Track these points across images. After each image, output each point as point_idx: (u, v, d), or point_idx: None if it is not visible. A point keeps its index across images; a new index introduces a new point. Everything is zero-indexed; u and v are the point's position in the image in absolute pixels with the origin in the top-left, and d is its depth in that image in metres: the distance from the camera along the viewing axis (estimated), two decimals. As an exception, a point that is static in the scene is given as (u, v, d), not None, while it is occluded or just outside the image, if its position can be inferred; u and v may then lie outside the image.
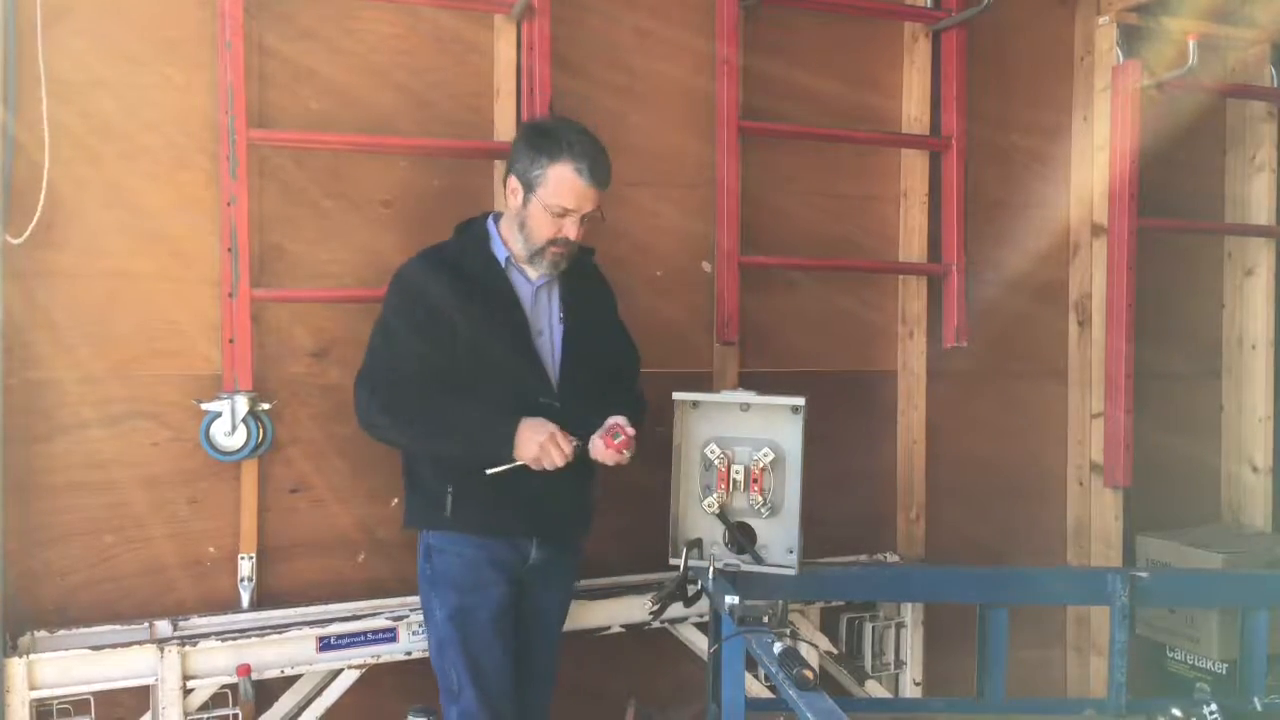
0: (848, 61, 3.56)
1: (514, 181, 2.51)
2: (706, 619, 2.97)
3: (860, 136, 3.55)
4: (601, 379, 2.63)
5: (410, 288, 2.51)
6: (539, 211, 2.47)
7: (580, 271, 2.66)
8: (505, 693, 2.52)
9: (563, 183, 2.44)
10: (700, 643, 3.09)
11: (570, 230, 2.48)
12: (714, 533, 2.64)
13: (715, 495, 2.61)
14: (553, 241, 2.48)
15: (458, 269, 2.51)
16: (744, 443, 2.62)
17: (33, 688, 2.47)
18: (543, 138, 2.49)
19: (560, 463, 2.40)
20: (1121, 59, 3.72)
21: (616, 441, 2.43)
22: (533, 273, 2.56)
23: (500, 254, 2.55)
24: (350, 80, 2.93)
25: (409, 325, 2.47)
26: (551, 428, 2.40)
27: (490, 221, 2.61)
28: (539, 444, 2.38)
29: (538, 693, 2.66)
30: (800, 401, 2.59)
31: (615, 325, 2.79)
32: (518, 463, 2.41)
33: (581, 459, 2.48)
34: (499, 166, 3.07)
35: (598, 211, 2.53)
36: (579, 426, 2.47)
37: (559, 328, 2.58)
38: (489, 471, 2.41)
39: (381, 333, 2.52)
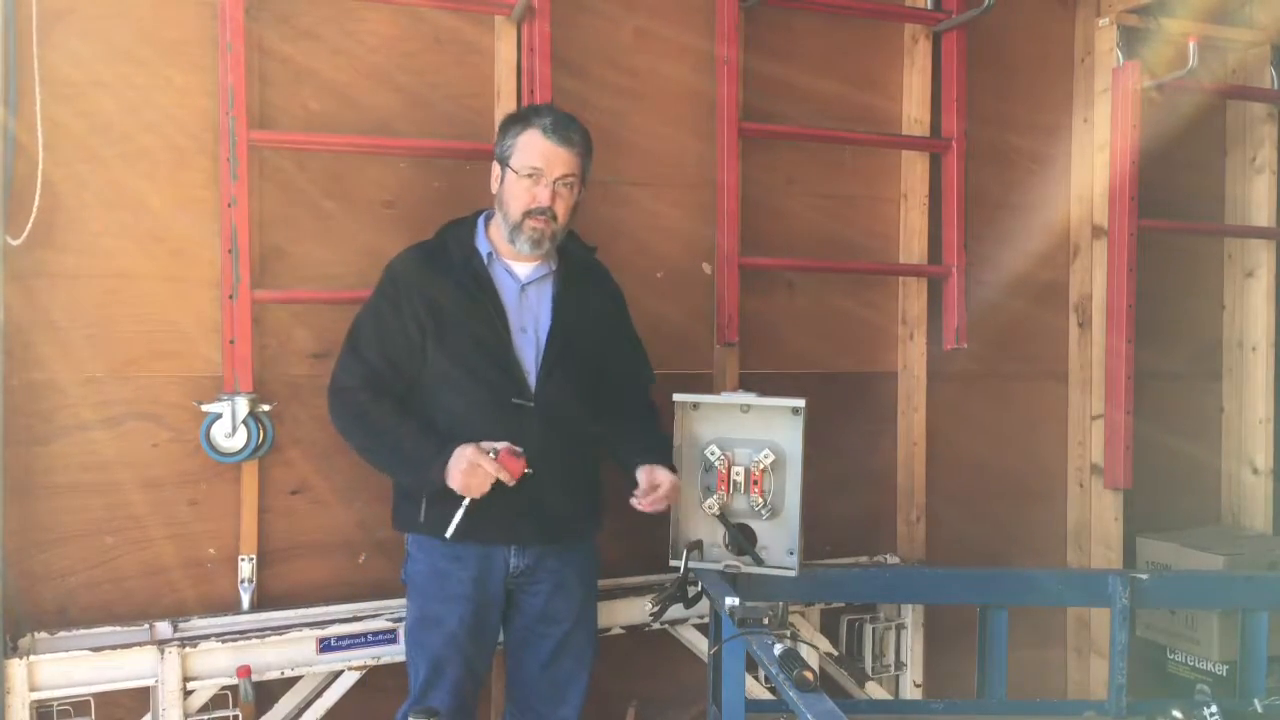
0: (848, 62, 3.56)
1: (495, 167, 2.54)
2: (707, 620, 2.97)
3: (860, 138, 3.55)
4: (594, 383, 2.58)
5: (390, 282, 2.53)
6: (512, 181, 2.48)
7: (580, 271, 2.62)
8: (463, 706, 2.51)
9: (530, 144, 2.46)
10: (701, 644, 3.09)
11: (543, 196, 2.45)
12: (714, 534, 2.64)
13: (716, 497, 2.61)
14: (528, 213, 2.45)
15: (438, 263, 2.51)
16: (744, 444, 2.62)
17: (33, 689, 2.46)
18: (512, 117, 2.57)
19: (486, 487, 2.34)
20: (1122, 60, 3.73)
21: (646, 501, 2.45)
22: (521, 270, 2.54)
23: (483, 248, 2.54)
24: (351, 81, 2.93)
25: (377, 323, 2.49)
26: (472, 451, 2.34)
27: (480, 218, 2.61)
28: (462, 473, 2.33)
29: (564, 700, 2.60)
30: (800, 403, 2.59)
31: (619, 329, 2.72)
32: (465, 502, 2.36)
33: (571, 459, 2.48)
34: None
35: (572, 177, 2.49)
36: (560, 429, 2.45)
37: (542, 320, 2.53)
38: (448, 534, 2.37)
39: (357, 327, 2.54)
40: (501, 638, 2.63)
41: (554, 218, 2.47)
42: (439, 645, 2.49)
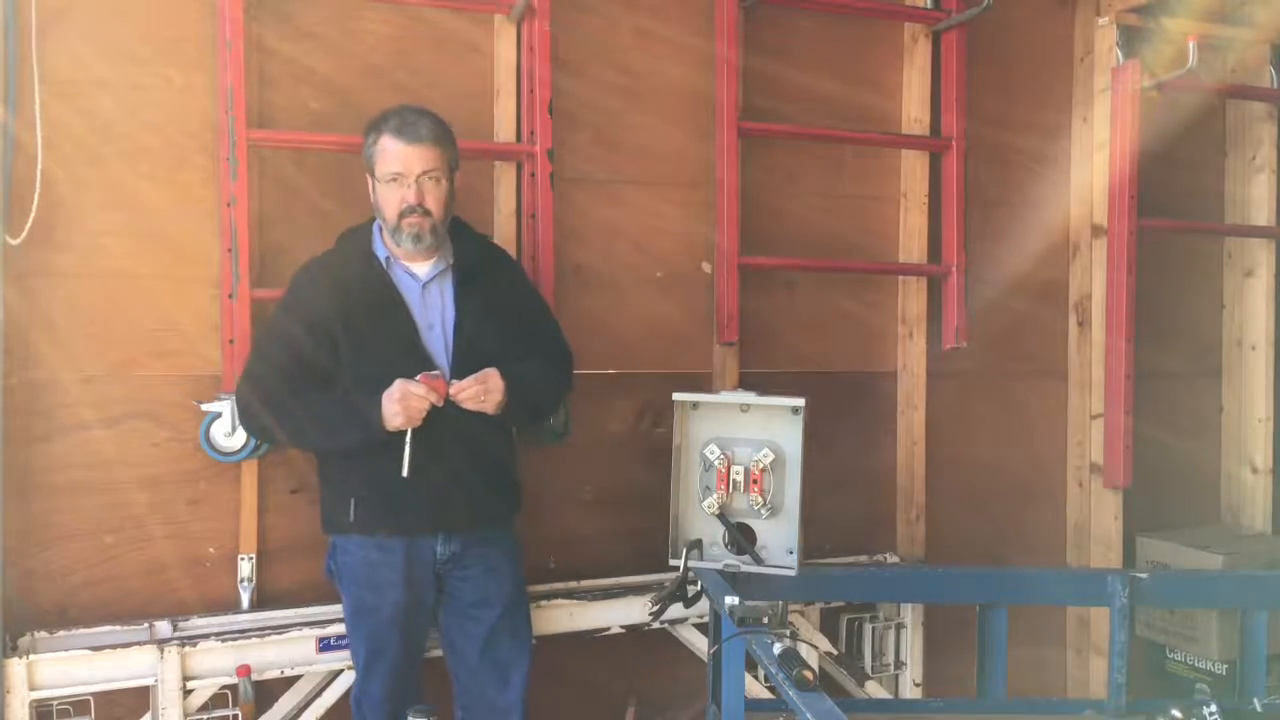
0: (848, 62, 3.56)
1: (369, 179, 2.58)
2: (706, 620, 2.97)
3: (860, 137, 3.55)
4: (508, 363, 2.59)
5: (291, 295, 2.58)
6: (381, 189, 2.53)
7: (477, 261, 2.66)
8: (404, 688, 2.57)
9: (385, 150, 2.51)
10: (700, 643, 3.09)
11: (410, 195, 2.50)
12: (714, 533, 2.64)
13: (715, 496, 2.61)
14: (402, 214, 2.50)
15: (337, 274, 2.56)
16: (744, 443, 2.62)
17: (33, 688, 2.47)
18: (368, 126, 2.57)
19: (432, 399, 2.42)
20: (1121, 60, 3.72)
21: (434, 380, 2.44)
22: (419, 269, 2.58)
23: (381, 252, 2.58)
24: (350, 80, 2.93)
25: (285, 332, 2.54)
26: (398, 384, 2.42)
27: (375, 225, 2.63)
28: (398, 403, 2.41)
29: (508, 683, 2.64)
30: (800, 402, 2.59)
31: (526, 307, 2.77)
32: (407, 435, 2.43)
33: (489, 445, 2.57)
34: (499, 167, 3.08)
35: (435, 171, 2.52)
36: (476, 418, 2.50)
37: (446, 314, 2.59)
38: (404, 473, 2.43)
39: (264, 334, 2.62)
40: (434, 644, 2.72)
41: (427, 213, 2.51)
42: (375, 630, 2.56)
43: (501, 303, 2.66)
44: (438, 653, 2.81)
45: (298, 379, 2.51)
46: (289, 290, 2.60)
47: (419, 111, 2.56)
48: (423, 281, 2.58)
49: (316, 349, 2.51)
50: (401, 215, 2.50)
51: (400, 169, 2.50)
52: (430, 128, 2.53)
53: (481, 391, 2.49)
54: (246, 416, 2.59)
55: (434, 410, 2.45)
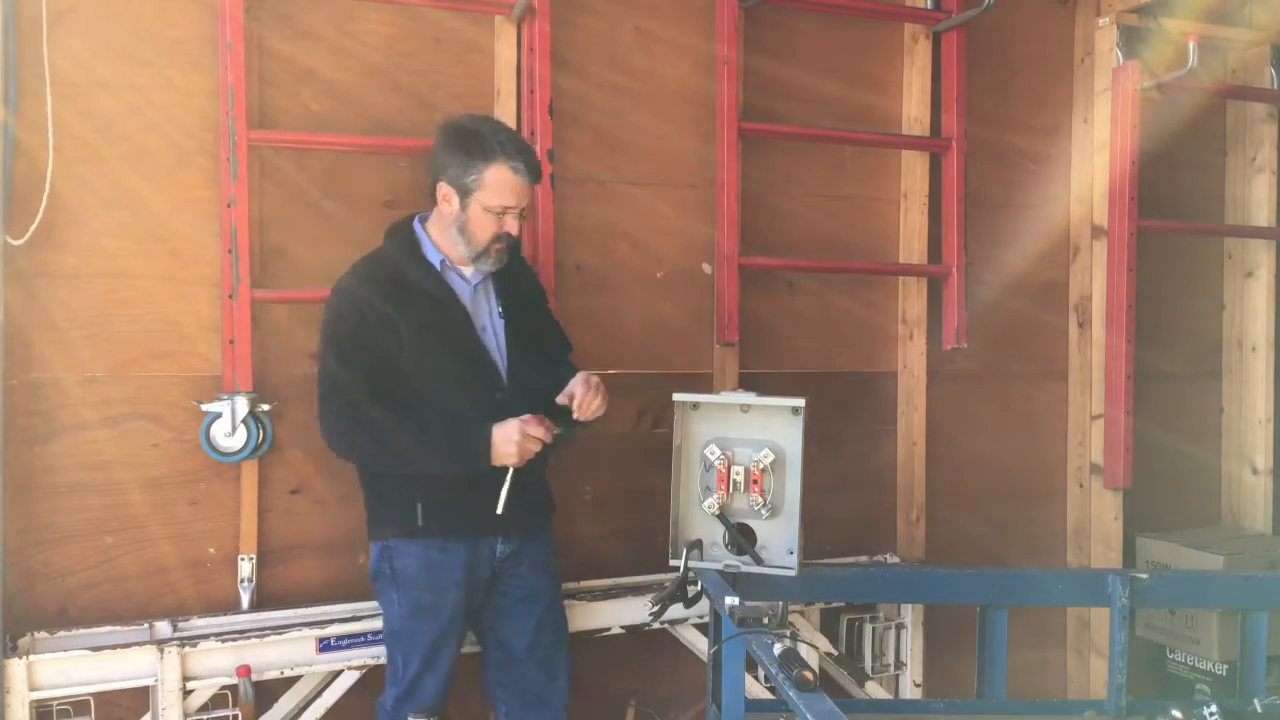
0: (848, 62, 3.56)
1: (445, 188, 2.54)
2: (706, 620, 2.97)
3: (860, 137, 3.55)
4: (542, 365, 2.70)
5: (350, 303, 2.53)
6: (479, 214, 2.52)
7: (510, 263, 2.68)
8: (445, 688, 2.60)
9: (502, 183, 2.50)
10: (700, 644, 3.09)
11: (512, 226, 2.54)
12: (714, 534, 2.64)
13: (715, 496, 2.61)
14: (495, 239, 2.54)
15: (395, 279, 2.54)
16: (744, 444, 2.62)
17: (32, 688, 2.47)
18: (471, 141, 2.53)
19: (546, 440, 2.49)
20: (1121, 60, 3.72)
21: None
22: (468, 271, 2.60)
23: (434, 258, 2.58)
24: (350, 81, 2.93)
25: (355, 342, 2.49)
26: (515, 424, 2.47)
27: (417, 226, 2.62)
28: (516, 444, 2.46)
29: (556, 674, 2.71)
30: (800, 403, 2.59)
31: (544, 309, 2.85)
32: (509, 473, 2.49)
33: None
34: (499, 167, 3.07)
35: (531, 204, 2.59)
36: (528, 412, 2.54)
37: (500, 321, 2.64)
38: (500, 510, 2.50)
39: (333, 353, 2.51)
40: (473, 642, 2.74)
41: (511, 237, 2.57)
42: (434, 634, 2.55)
43: (531, 300, 2.76)
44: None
45: (381, 389, 2.48)
46: (344, 296, 2.54)
47: (523, 141, 2.57)
48: (472, 284, 2.61)
49: (397, 348, 2.49)
50: (493, 241, 2.53)
51: (513, 203, 2.52)
52: (538, 162, 2.56)
53: (603, 399, 2.57)
54: (339, 438, 2.54)
55: (500, 419, 2.49)
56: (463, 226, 2.54)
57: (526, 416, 2.49)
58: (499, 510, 2.49)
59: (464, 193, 2.52)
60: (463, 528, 2.56)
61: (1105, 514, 3.77)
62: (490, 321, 2.63)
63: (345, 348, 2.50)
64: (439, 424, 2.51)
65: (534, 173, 2.55)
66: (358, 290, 2.53)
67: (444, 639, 2.57)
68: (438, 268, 2.58)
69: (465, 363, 2.56)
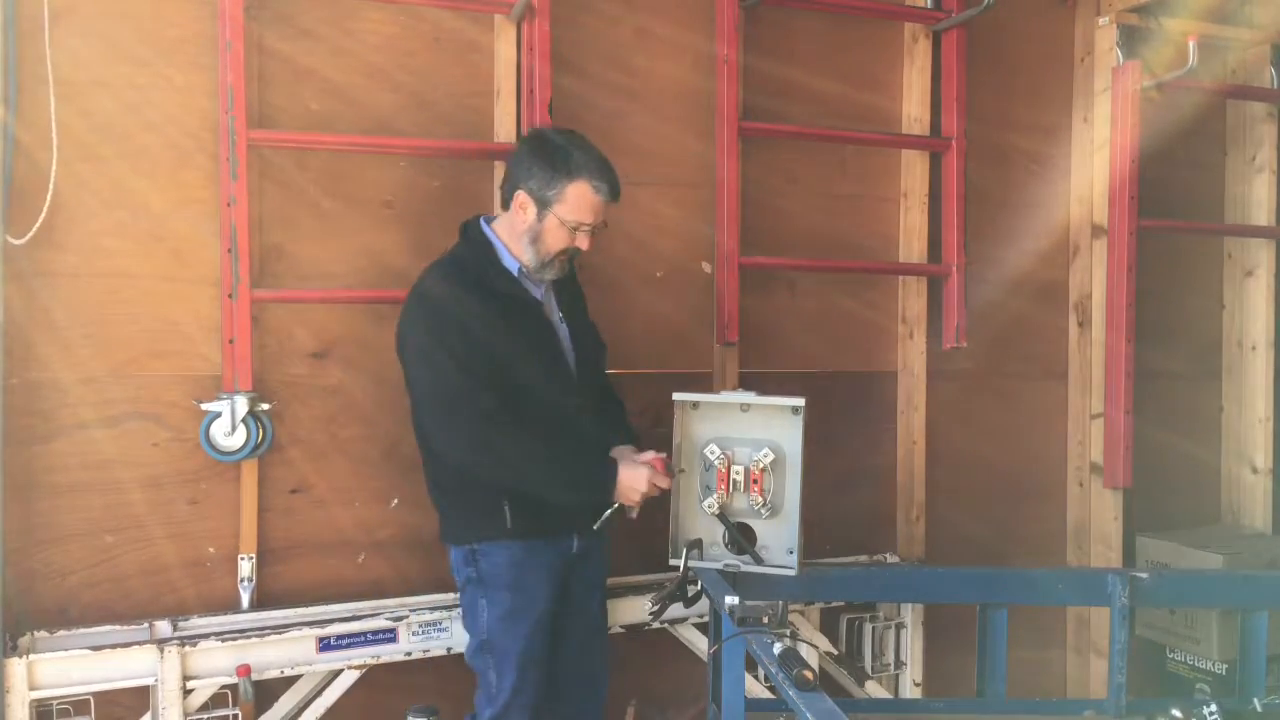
0: (848, 62, 3.56)
1: (524, 197, 2.53)
2: (706, 619, 2.97)
3: (861, 137, 3.55)
4: (595, 369, 2.75)
5: (453, 308, 2.49)
6: (556, 227, 2.52)
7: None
8: (541, 694, 2.58)
9: (583, 200, 2.51)
10: (700, 643, 3.09)
11: (584, 242, 2.56)
12: (714, 533, 2.64)
13: (715, 496, 2.60)
14: (563, 252, 2.56)
15: (480, 283, 2.53)
16: (744, 443, 2.61)
17: (32, 688, 2.47)
18: (557, 155, 2.52)
19: (668, 490, 2.57)
20: (1121, 60, 3.72)
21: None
22: (535, 279, 2.61)
23: (512, 266, 2.58)
24: (350, 80, 2.93)
25: (468, 346, 2.46)
26: (645, 473, 2.53)
27: (488, 230, 2.61)
28: (640, 493, 2.54)
29: (592, 694, 2.74)
30: (800, 402, 2.58)
31: (587, 315, 2.87)
32: (614, 507, 2.57)
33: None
34: (499, 167, 3.06)
35: (604, 221, 2.60)
36: (593, 421, 2.63)
37: (562, 328, 2.67)
38: (595, 527, 2.57)
39: (450, 361, 2.46)
40: None
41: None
42: (528, 635, 2.54)
43: (579, 303, 2.79)
44: (439, 652, 2.81)
45: (506, 394, 2.48)
46: (440, 305, 2.49)
47: (607, 161, 2.57)
48: (541, 289, 2.63)
49: (485, 359, 2.47)
50: (560, 253, 2.56)
51: (589, 220, 2.54)
52: (619, 183, 2.58)
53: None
54: (473, 450, 2.49)
55: (574, 422, 2.59)
56: (535, 236, 2.54)
57: (653, 460, 2.55)
58: (594, 527, 2.56)
59: (543, 204, 2.51)
60: (545, 527, 2.57)
61: (1105, 513, 3.77)
62: (558, 324, 2.66)
63: (460, 353, 2.46)
64: (569, 452, 2.55)
65: (615, 194, 2.56)
66: (456, 295, 2.50)
67: (536, 642, 2.55)
68: (515, 274, 2.58)
69: (549, 368, 2.60)
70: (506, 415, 2.48)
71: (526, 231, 2.54)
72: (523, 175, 2.53)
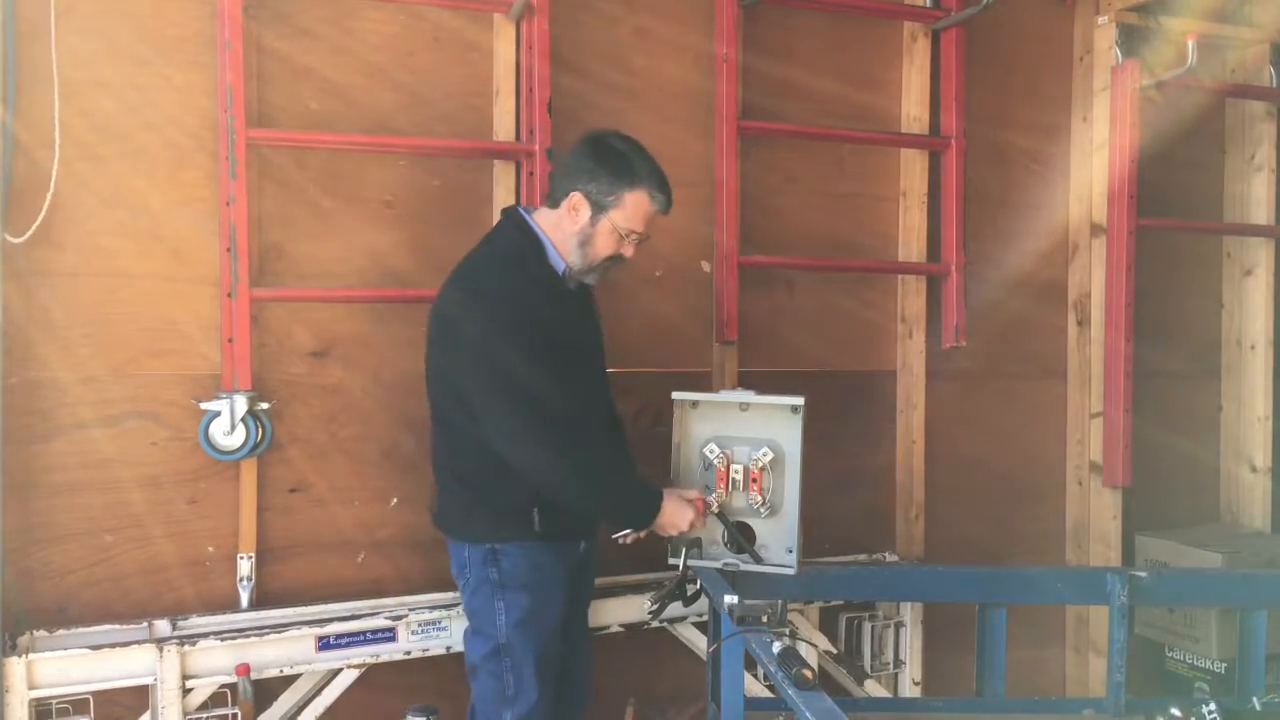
0: (847, 61, 3.56)
1: (579, 199, 2.48)
2: (705, 619, 2.97)
3: (860, 136, 3.55)
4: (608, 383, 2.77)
5: (520, 305, 2.43)
6: (608, 232, 2.50)
7: None
8: (557, 696, 2.56)
9: (639, 209, 2.51)
10: (700, 642, 3.09)
11: (630, 250, 2.55)
12: (713, 532, 2.64)
13: (714, 495, 2.61)
14: (609, 258, 2.54)
15: (533, 275, 2.50)
16: (743, 442, 2.62)
17: (32, 687, 2.47)
18: (619, 161, 2.50)
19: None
20: (1121, 59, 3.72)
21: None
22: (574, 281, 2.59)
23: (559, 265, 2.54)
24: (350, 80, 2.93)
25: (543, 346, 2.42)
26: (691, 512, 2.55)
27: (536, 226, 2.54)
28: (680, 531, 2.56)
29: (584, 695, 2.74)
30: (799, 401, 2.59)
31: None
32: (643, 529, 2.59)
33: None
34: (499, 166, 3.07)
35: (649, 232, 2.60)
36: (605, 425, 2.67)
37: (595, 329, 2.72)
38: (614, 535, 2.62)
39: (520, 360, 2.39)
40: None
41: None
42: (544, 639, 2.52)
43: (594, 307, 2.75)
44: (438, 652, 2.81)
45: (568, 397, 2.44)
46: (510, 299, 2.42)
47: (664, 173, 2.56)
48: (576, 289, 2.63)
49: (551, 360, 2.42)
50: (607, 259, 2.54)
51: (641, 229, 2.52)
52: (672, 195, 2.57)
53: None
54: (544, 467, 2.42)
55: (601, 423, 2.65)
56: (586, 240, 2.50)
57: (696, 500, 2.56)
58: (613, 534, 2.61)
59: (599, 209, 2.48)
60: (566, 531, 2.55)
61: (1104, 512, 3.77)
62: (590, 324, 2.70)
63: (537, 351, 2.40)
64: (622, 471, 2.62)
65: (668, 207, 2.56)
66: (525, 289, 2.45)
67: (551, 645, 2.52)
68: (560, 274, 2.55)
69: (594, 372, 2.65)
70: (571, 420, 2.43)
71: (577, 233, 2.50)
72: (579, 178, 2.49)
